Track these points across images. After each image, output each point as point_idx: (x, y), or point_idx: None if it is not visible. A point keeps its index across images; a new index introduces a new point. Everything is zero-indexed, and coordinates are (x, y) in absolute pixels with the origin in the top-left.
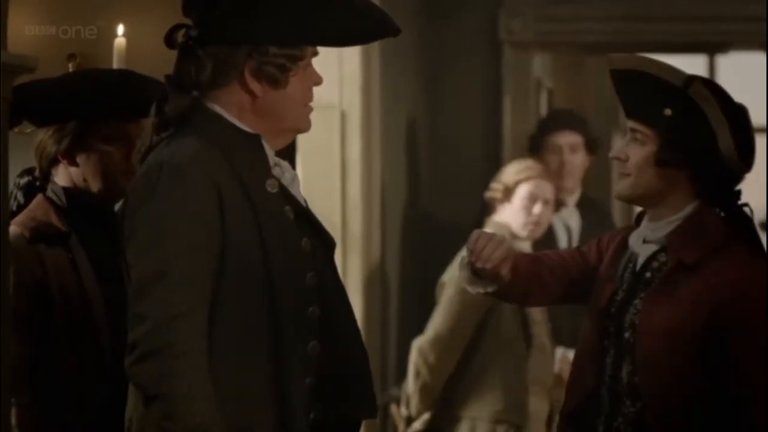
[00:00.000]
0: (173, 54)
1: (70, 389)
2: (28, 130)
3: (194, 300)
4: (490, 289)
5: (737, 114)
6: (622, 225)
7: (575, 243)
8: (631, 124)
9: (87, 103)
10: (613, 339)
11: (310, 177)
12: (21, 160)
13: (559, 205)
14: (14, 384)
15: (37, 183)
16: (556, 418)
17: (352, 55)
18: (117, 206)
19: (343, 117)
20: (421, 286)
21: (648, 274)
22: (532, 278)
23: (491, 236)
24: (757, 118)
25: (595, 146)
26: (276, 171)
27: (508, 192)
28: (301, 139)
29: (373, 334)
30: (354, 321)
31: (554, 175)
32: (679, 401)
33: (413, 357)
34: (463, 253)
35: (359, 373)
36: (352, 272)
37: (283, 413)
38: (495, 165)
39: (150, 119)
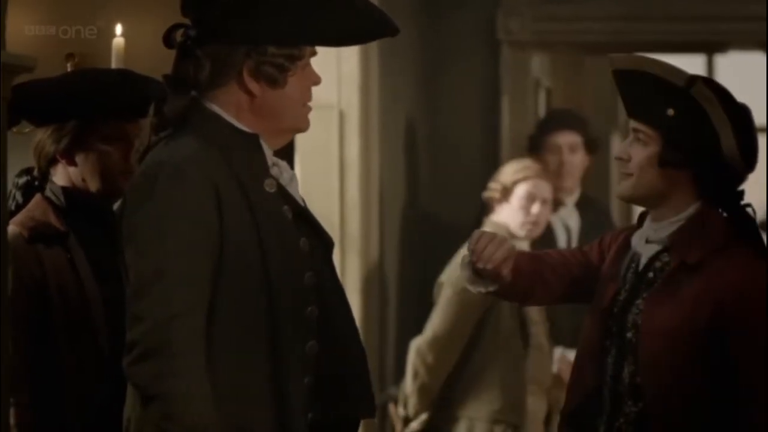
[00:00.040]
0: (172, 54)
1: (69, 389)
2: (27, 130)
3: (193, 300)
4: (491, 289)
5: (740, 114)
6: (622, 225)
7: (574, 243)
8: (633, 124)
9: (86, 102)
10: (615, 339)
11: (308, 177)
12: (20, 160)
13: (557, 204)
14: (13, 384)
15: (36, 183)
16: (554, 417)
17: (350, 55)
18: (115, 206)
19: (342, 117)
20: (419, 285)
21: (651, 275)
22: (534, 277)
23: (492, 236)
24: (756, 118)
25: (594, 146)
26: (274, 171)
27: (506, 192)
28: (300, 139)
29: (371, 333)
30: (352, 321)
31: (553, 174)
32: (680, 401)
33: (411, 357)
34: (462, 253)
35: (357, 372)
36: (350, 272)
37: (281, 413)
38: (493, 165)
39: (148, 119)
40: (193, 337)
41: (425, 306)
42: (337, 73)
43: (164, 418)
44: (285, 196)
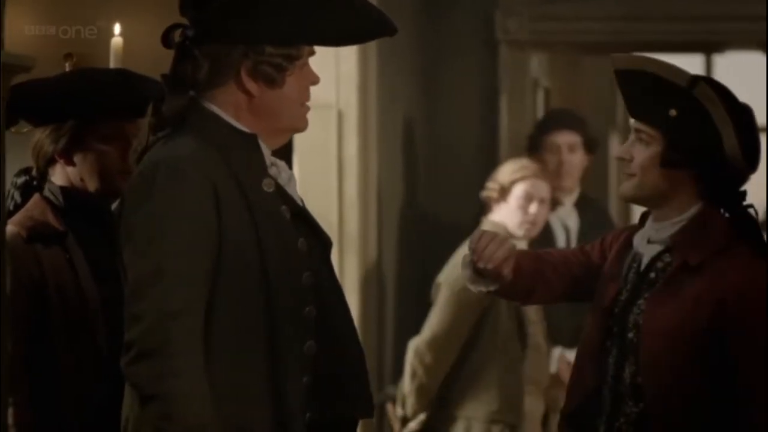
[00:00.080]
0: (171, 54)
1: (67, 389)
2: (25, 130)
3: (191, 299)
4: (492, 288)
5: (742, 114)
6: (620, 225)
7: (573, 242)
8: (635, 124)
9: (84, 102)
10: (616, 339)
11: (306, 176)
12: (18, 160)
13: (555, 204)
14: (11, 383)
15: (34, 182)
16: (552, 417)
17: (349, 55)
18: (114, 206)
19: (340, 116)
20: (417, 285)
21: (652, 275)
22: (535, 276)
23: (493, 236)
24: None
25: (593, 146)
26: (272, 170)
27: (504, 191)
28: (298, 139)
29: (369, 333)
30: (350, 320)
31: (553, 174)
32: (681, 402)
33: (409, 357)
34: (459, 252)
35: (356, 372)
36: (348, 271)
37: (279, 413)
38: (492, 164)
39: (147, 119)
40: (191, 337)
41: (423, 305)
42: (336, 73)
43: (162, 418)
44: (283, 195)
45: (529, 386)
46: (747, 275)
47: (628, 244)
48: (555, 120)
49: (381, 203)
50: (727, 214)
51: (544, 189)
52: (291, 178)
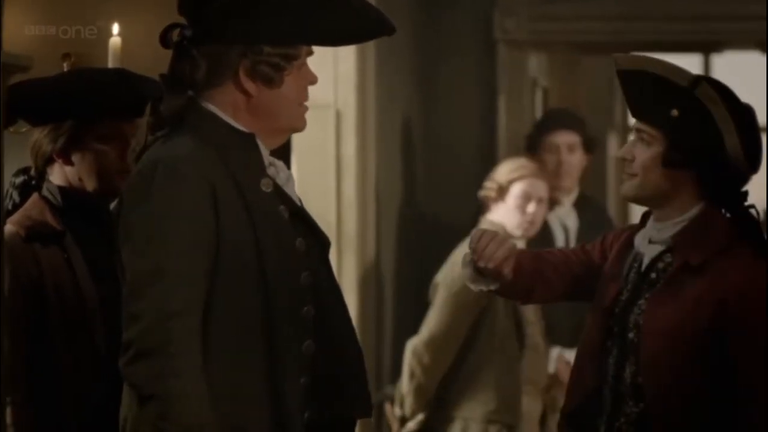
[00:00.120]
0: (169, 53)
1: (66, 388)
2: (24, 129)
3: (189, 299)
4: (492, 287)
5: (744, 115)
6: (619, 224)
7: (572, 242)
8: (637, 124)
9: (82, 102)
10: (617, 339)
11: (305, 176)
12: (16, 160)
13: (553, 203)
14: (9, 383)
15: (33, 182)
16: (550, 417)
17: (347, 54)
18: (112, 205)
19: (338, 116)
20: (416, 285)
21: (653, 275)
22: (535, 276)
23: (493, 235)
24: None
25: (592, 146)
26: (271, 170)
27: (502, 191)
28: (296, 139)
29: (368, 333)
30: (349, 320)
31: (552, 174)
32: (681, 402)
33: (407, 358)
34: (457, 252)
35: (354, 372)
36: (347, 271)
37: (277, 412)
38: (490, 164)
39: (145, 118)
40: (189, 337)
41: (422, 305)
42: (334, 73)
43: (161, 418)
44: (281, 195)
45: (527, 386)
46: (748, 276)
47: (629, 244)
48: (554, 120)
49: (379, 203)
50: (728, 215)
51: (542, 188)
52: (289, 177)
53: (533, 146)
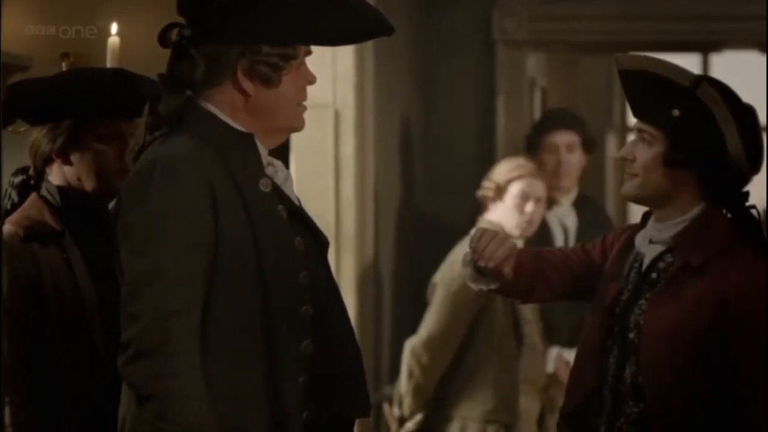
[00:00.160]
0: (168, 53)
1: (64, 388)
2: (22, 129)
3: (188, 299)
4: (492, 287)
5: (745, 115)
6: (618, 224)
7: (572, 242)
8: (638, 124)
9: (81, 101)
10: (617, 339)
11: (303, 176)
12: (15, 159)
13: (551, 203)
14: (8, 383)
15: (32, 182)
16: (548, 417)
17: (345, 54)
18: (111, 205)
19: (337, 116)
20: (414, 285)
21: (654, 275)
22: (535, 275)
23: (494, 234)
24: None
25: (591, 145)
26: (269, 170)
27: (500, 191)
28: (295, 138)
29: (366, 332)
30: (347, 320)
31: (551, 174)
32: (682, 402)
33: (406, 358)
34: (456, 252)
35: (352, 372)
36: (345, 271)
37: (276, 412)
38: (489, 164)
39: (144, 118)
40: (188, 337)
41: (420, 305)
42: (333, 73)
43: (159, 418)
44: (280, 195)
45: (525, 386)
46: (749, 276)
47: (630, 243)
48: (553, 120)
49: (378, 203)
50: (729, 215)
51: (540, 188)
52: (288, 177)
53: (532, 146)
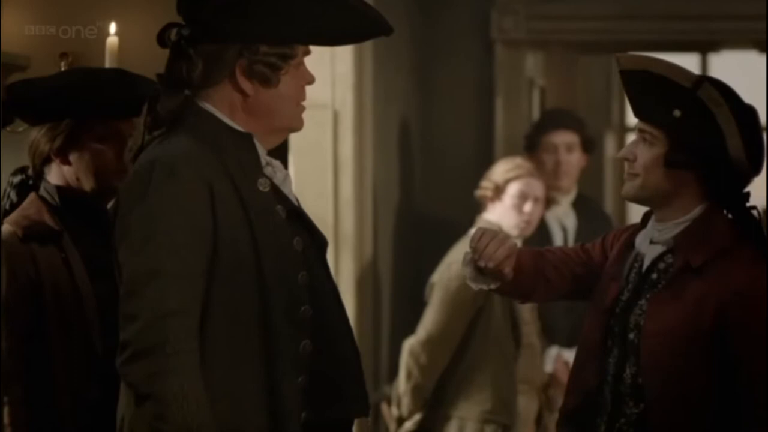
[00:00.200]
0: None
1: (63, 388)
2: (21, 129)
3: (186, 299)
4: (492, 286)
5: (746, 116)
6: (617, 224)
7: (571, 242)
8: (639, 124)
9: (80, 101)
10: (617, 339)
11: (302, 176)
12: (14, 159)
13: (549, 202)
14: (6, 382)
15: (30, 182)
16: (546, 417)
17: (344, 55)
18: (110, 205)
19: (336, 116)
20: (413, 284)
21: (654, 275)
22: (536, 275)
23: (494, 234)
24: None
25: (591, 145)
26: (268, 170)
27: (499, 190)
28: (294, 138)
29: (365, 332)
30: (346, 320)
31: (550, 174)
32: (682, 403)
33: (404, 358)
34: (454, 252)
35: (351, 372)
36: (344, 271)
37: (274, 412)
38: (487, 164)
39: (142, 118)
40: (186, 336)
41: (419, 305)
42: (331, 73)
43: (157, 418)
44: (278, 195)
45: (523, 386)
46: (749, 277)
47: (630, 244)
48: (553, 120)
49: (377, 203)
50: (730, 215)
51: (538, 188)
52: (286, 177)
53: (532, 146)
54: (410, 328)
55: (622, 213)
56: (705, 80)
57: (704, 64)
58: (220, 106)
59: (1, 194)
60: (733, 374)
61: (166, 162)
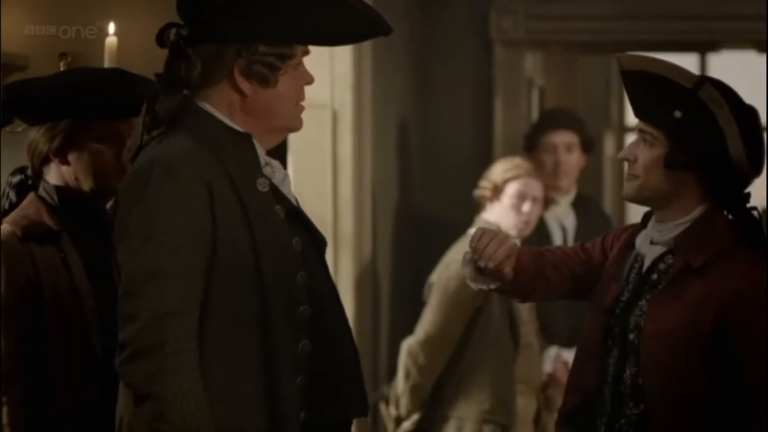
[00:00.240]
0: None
1: (62, 387)
2: (20, 129)
3: (185, 299)
4: (492, 286)
5: (747, 116)
6: (617, 224)
7: (570, 242)
8: (640, 125)
9: (79, 101)
10: (617, 340)
11: (301, 176)
12: (13, 159)
13: (548, 202)
14: (5, 382)
15: (30, 182)
16: (545, 417)
17: (343, 55)
18: (109, 205)
19: (335, 116)
20: (412, 284)
21: (654, 276)
22: (536, 275)
23: (494, 234)
24: None
25: (590, 145)
26: (267, 170)
27: (497, 190)
28: (293, 138)
29: (364, 332)
30: (345, 320)
31: (549, 174)
32: (683, 404)
33: (403, 358)
34: (452, 252)
35: (350, 372)
36: (343, 271)
37: (273, 413)
38: (486, 163)
39: (141, 118)
40: (185, 336)
41: (418, 304)
42: (330, 73)
43: (156, 418)
44: (277, 195)
45: (521, 386)
46: (750, 278)
47: (630, 244)
48: (552, 120)
49: (376, 203)
50: (730, 216)
51: (537, 188)
52: (285, 177)
53: (531, 146)
54: (409, 328)
55: (621, 213)
56: (706, 81)
57: (703, 64)
58: (219, 106)
59: (1, 194)
60: (733, 375)
61: (165, 162)
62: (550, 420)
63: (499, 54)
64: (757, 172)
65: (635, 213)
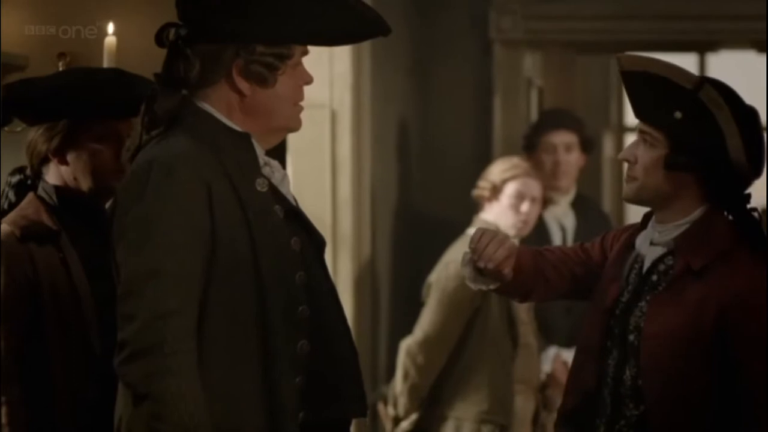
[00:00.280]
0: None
1: (61, 387)
2: (19, 129)
3: (184, 299)
4: (492, 287)
5: (747, 117)
6: (616, 225)
7: (570, 242)
8: (640, 125)
9: (77, 101)
10: (617, 341)
11: (300, 176)
12: (12, 159)
13: (548, 202)
14: (5, 382)
15: (29, 181)
16: (544, 417)
17: (342, 54)
18: (108, 205)
19: (334, 116)
20: (411, 284)
21: (654, 277)
22: (535, 275)
23: (494, 234)
24: None
25: (589, 146)
26: (266, 170)
27: (496, 190)
28: (292, 138)
29: (363, 332)
30: (344, 320)
31: (549, 174)
32: (682, 405)
33: (402, 358)
34: (451, 252)
35: (349, 372)
36: (342, 271)
37: (272, 413)
38: (485, 163)
39: (140, 118)
40: (184, 336)
41: (417, 304)
42: (330, 73)
43: (155, 418)
44: (276, 195)
45: (520, 386)
46: (750, 279)
47: (630, 244)
48: (551, 120)
49: (375, 203)
50: (730, 217)
51: (535, 188)
52: (284, 177)
53: (530, 146)
54: (408, 328)
55: (621, 213)
56: (706, 81)
57: (703, 64)
58: (218, 106)
59: (0, 194)
60: (733, 376)
61: (164, 162)
62: (549, 420)
63: (498, 54)
64: (757, 173)
65: (634, 213)
